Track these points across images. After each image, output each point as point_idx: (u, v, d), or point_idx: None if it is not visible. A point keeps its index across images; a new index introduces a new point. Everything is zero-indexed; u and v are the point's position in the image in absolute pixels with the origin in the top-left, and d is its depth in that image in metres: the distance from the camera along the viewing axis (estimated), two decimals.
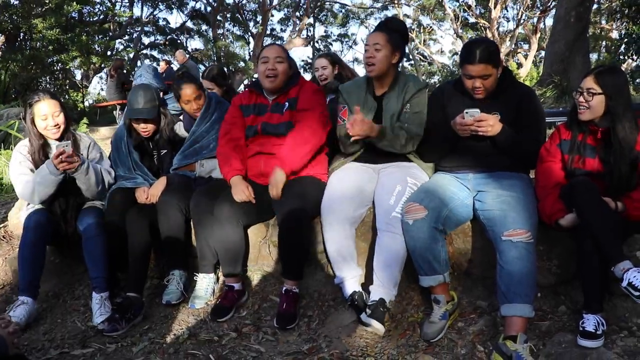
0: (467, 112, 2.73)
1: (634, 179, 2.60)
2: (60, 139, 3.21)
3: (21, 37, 12.92)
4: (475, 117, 2.71)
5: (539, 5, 23.32)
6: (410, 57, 28.29)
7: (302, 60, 32.21)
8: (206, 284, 3.26)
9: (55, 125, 3.18)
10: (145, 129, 3.43)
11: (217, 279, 3.39)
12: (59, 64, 14.07)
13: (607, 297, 2.64)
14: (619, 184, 2.61)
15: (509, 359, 2.38)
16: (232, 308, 3.13)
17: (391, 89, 3.14)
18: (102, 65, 16.94)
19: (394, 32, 3.12)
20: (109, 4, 18.85)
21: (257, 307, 3.19)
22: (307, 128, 3.13)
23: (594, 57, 19.86)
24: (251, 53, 25.22)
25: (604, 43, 21.68)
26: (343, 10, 28.67)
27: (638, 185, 2.59)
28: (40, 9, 11.97)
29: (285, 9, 28.46)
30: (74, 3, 12.83)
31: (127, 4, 22.49)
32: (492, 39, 20.90)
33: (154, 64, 24.23)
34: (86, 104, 17.07)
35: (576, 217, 2.53)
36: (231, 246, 3.12)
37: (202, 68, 18.58)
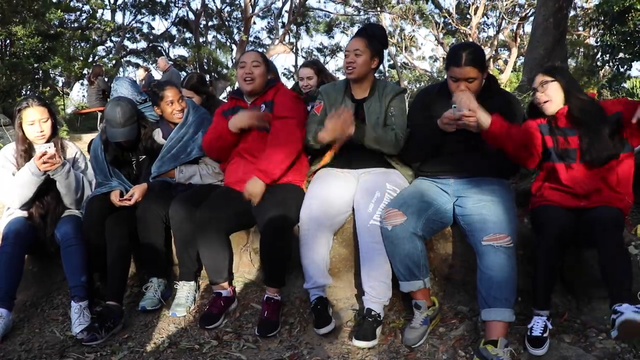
0: (454, 107, 2.71)
1: (617, 145, 2.71)
2: None
3: (1, 44, 12.75)
4: (463, 112, 2.69)
5: (518, 12, 23.60)
6: (392, 63, 28.43)
7: (285, 68, 32.15)
8: (187, 292, 3.24)
9: (40, 132, 3.19)
10: (126, 145, 3.45)
11: (198, 286, 3.37)
12: (40, 71, 13.92)
13: (587, 300, 2.67)
14: (600, 151, 2.69)
15: None
16: (221, 315, 3.12)
17: (371, 94, 3.17)
18: (84, 72, 16.81)
19: (374, 38, 3.15)
20: (91, 11, 18.71)
21: (238, 315, 3.17)
22: (285, 136, 3.16)
23: (572, 63, 20.10)
24: (234, 60, 25.20)
25: (581, 49, 21.96)
26: (327, 18, 28.69)
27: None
28: (20, 16, 11.83)
29: (268, 18, 28.48)
30: (58, 11, 12.72)
31: (109, 9, 22.37)
32: None
33: (135, 72, 24.13)
34: (68, 110, 16.91)
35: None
36: (215, 253, 3.11)
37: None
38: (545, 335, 2.52)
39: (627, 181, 2.78)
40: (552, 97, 2.78)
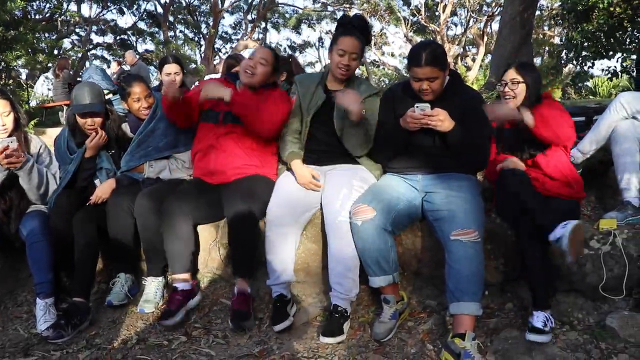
0: (417, 106, 2.74)
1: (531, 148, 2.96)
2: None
3: None
4: (425, 112, 2.73)
5: (485, 10, 23.92)
6: (362, 59, 28.49)
7: None
8: (155, 288, 3.21)
9: (2, 125, 3.11)
10: (92, 124, 3.35)
11: (166, 282, 3.34)
12: (2, 63, 13.56)
13: (552, 293, 2.72)
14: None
15: (458, 357, 2.41)
16: (179, 310, 3.01)
17: (346, 87, 3.17)
18: (49, 65, 16.46)
19: (364, 38, 3.13)
20: (55, 2, 18.29)
21: (207, 311, 3.16)
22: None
23: (537, 61, 20.48)
24: (202, 55, 24.96)
25: (547, 48, 22.37)
26: (294, 14, 28.60)
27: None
28: None
29: (237, 13, 28.28)
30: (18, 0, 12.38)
31: (75, 1, 21.92)
32: (440, 42, 21.27)
33: (104, 65, 23.78)
34: (32, 104, 16.53)
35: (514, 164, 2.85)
36: (178, 241, 3.05)
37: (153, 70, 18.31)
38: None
39: (565, 166, 2.94)
40: (517, 95, 2.90)
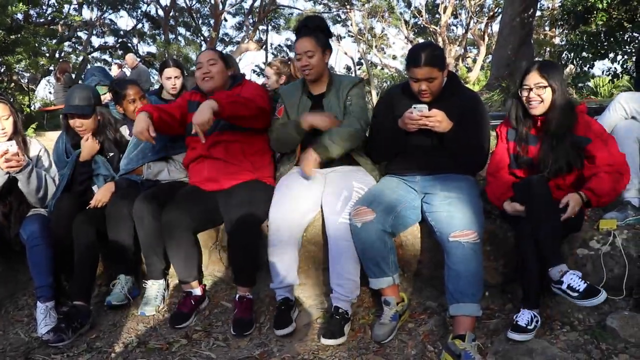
0: (415, 107, 2.76)
1: (577, 163, 2.74)
2: None
3: None
4: (423, 113, 2.74)
5: (486, 12, 23.93)
6: (363, 62, 28.49)
7: (256, 65, 31.98)
8: (155, 291, 3.22)
9: (2, 129, 3.12)
10: (80, 126, 3.38)
11: (167, 285, 3.34)
12: (4, 66, 13.59)
13: (552, 294, 2.72)
14: (559, 168, 2.74)
15: (458, 358, 2.41)
16: (192, 314, 3.11)
17: (329, 89, 3.19)
18: (51, 68, 16.49)
19: (319, 32, 3.15)
20: (57, 5, 18.30)
21: (207, 313, 3.16)
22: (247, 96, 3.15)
23: None
24: None
25: (547, 48, 22.36)
26: (296, 15, 28.65)
27: (586, 174, 2.71)
28: None
29: (238, 16, 28.33)
30: (20, 4, 12.39)
31: (76, 6, 21.92)
32: (441, 44, 21.29)
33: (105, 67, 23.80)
34: (34, 107, 16.57)
35: (520, 207, 2.65)
36: (184, 253, 3.09)
37: (154, 72, 18.35)
38: None
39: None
40: (545, 100, 2.71)
